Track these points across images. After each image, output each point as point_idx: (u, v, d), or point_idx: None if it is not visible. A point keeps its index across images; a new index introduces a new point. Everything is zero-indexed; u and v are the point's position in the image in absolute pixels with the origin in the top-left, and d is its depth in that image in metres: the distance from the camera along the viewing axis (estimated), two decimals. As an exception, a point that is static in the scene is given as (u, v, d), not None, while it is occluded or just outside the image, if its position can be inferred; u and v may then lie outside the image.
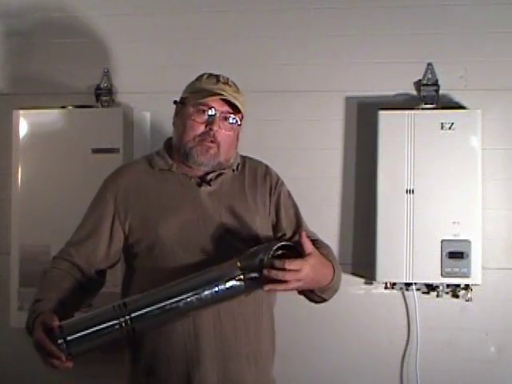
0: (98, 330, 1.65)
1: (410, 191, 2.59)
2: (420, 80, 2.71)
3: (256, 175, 1.99)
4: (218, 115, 1.87)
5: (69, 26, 2.91)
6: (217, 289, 1.70)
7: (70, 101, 2.80)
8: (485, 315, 2.66)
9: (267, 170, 2.03)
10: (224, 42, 2.82)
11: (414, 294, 2.64)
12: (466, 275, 2.54)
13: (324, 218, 2.69)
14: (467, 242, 2.54)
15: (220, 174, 1.92)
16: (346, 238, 2.75)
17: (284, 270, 1.67)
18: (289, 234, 1.96)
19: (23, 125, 2.75)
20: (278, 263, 1.67)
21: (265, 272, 1.67)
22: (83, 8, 2.89)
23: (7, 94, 2.94)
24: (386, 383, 2.71)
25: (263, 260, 1.68)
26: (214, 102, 1.87)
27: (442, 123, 2.58)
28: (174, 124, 1.97)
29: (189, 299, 1.69)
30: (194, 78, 1.98)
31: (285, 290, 1.72)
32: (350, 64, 2.77)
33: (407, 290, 2.65)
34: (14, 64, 2.96)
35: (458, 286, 2.60)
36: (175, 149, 1.94)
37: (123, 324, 1.66)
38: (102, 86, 2.85)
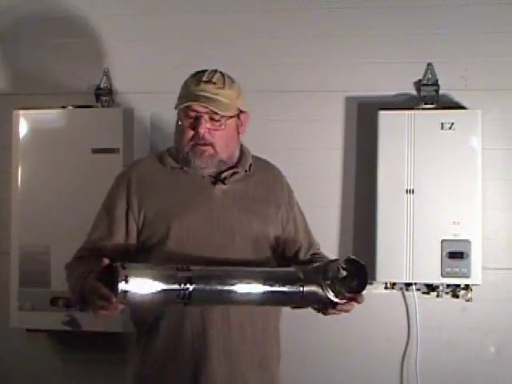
0: (158, 283, 1.62)
1: (410, 191, 2.58)
2: (420, 80, 2.71)
3: (268, 178, 1.99)
4: (203, 116, 1.85)
5: (69, 26, 2.91)
6: (274, 289, 1.71)
7: (70, 101, 2.80)
8: (485, 315, 2.66)
9: (279, 174, 2.04)
10: (224, 42, 2.82)
11: (414, 294, 2.64)
12: (466, 275, 2.54)
13: (324, 218, 2.69)
14: (467, 242, 2.54)
15: (234, 173, 1.92)
16: (346, 238, 2.75)
17: (356, 301, 1.75)
18: (304, 245, 2.00)
19: (23, 125, 2.75)
20: (360, 299, 1.74)
21: (338, 300, 1.74)
22: (83, 8, 2.90)
23: (7, 93, 2.94)
24: (385, 383, 2.71)
25: (326, 279, 1.72)
26: (194, 105, 1.85)
27: (442, 123, 2.58)
28: None
29: (244, 291, 1.69)
30: (193, 78, 1.98)
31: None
32: (350, 64, 2.77)
33: (407, 290, 2.65)
34: (14, 64, 2.96)
35: (458, 286, 2.59)
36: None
37: (182, 285, 1.63)
38: (102, 86, 2.85)
